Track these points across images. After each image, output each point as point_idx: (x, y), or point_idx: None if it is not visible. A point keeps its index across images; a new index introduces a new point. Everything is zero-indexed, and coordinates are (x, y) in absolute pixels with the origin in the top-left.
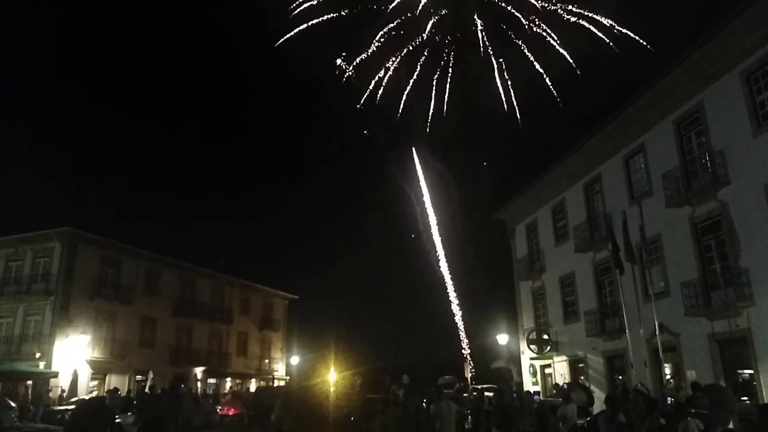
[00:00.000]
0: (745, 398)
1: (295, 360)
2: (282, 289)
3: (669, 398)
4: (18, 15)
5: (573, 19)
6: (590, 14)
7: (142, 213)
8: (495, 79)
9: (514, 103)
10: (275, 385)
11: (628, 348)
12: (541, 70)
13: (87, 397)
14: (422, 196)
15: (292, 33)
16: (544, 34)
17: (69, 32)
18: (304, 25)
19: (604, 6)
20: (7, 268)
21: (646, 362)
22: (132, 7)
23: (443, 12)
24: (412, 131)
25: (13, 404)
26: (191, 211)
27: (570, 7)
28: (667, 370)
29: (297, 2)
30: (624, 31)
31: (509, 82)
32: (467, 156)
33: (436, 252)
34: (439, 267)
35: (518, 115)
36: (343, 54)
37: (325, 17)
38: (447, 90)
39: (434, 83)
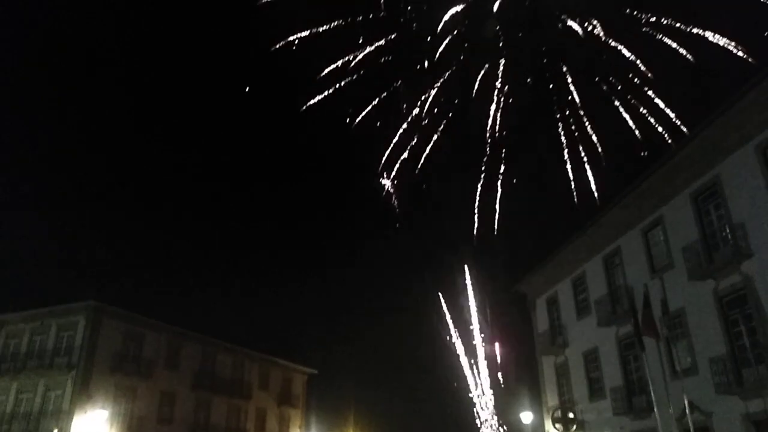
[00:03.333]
0: None
1: None
2: (301, 362)
3: None
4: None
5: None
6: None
7: (165, 285)
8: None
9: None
10: None
11: (657, 428)
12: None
13: None
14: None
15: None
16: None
17: (98, 103)
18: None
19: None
20: (32, 341)
21: None
22: (169, 74)
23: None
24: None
25: None
26: (213, 284)
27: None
28: None
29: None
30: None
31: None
32: (487, 228)
33: (456, 328)
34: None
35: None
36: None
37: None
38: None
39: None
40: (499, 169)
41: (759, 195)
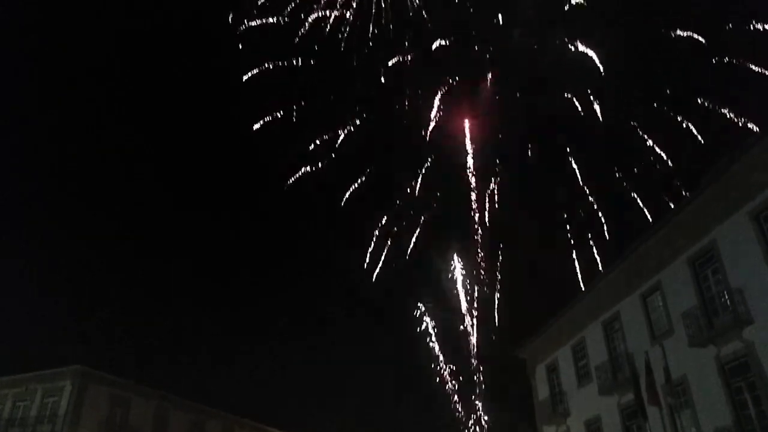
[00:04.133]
0: None
1: None
2: (293, 429)
3: None
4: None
5: None
6: None
7: (153, 348)
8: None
9: None
10: None
11: None
12: None
13: None
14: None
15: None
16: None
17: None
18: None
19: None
20: (14, 408)
21: None
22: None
23: None
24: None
25: None
26: (201, 348)
27: None
28: None
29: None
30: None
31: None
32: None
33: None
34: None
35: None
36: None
37: None
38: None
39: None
40: (499, 237)
41: (755, 260)
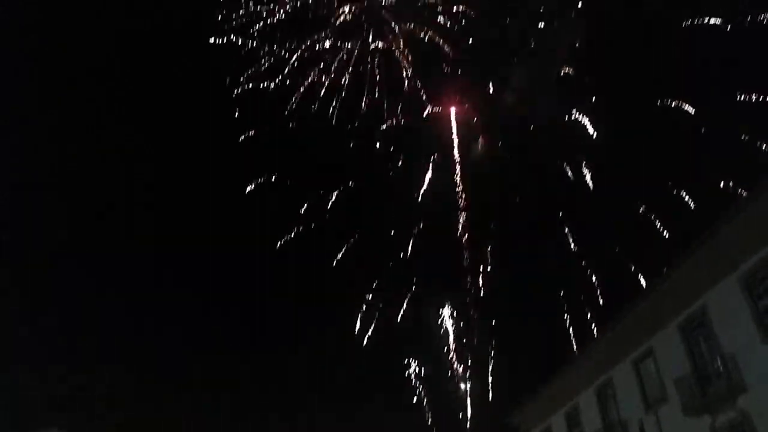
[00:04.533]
0: None
1: None
2: None
3: None
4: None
5: None
6: None
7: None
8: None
9: None
10: None
11: None
12: None
13: None
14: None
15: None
16: None
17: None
18: None
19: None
20: None
21: None
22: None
23: None
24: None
25: None
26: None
27: None
28: None
29: None
30: None
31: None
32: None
33: None
34: None
35: None
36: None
37: None
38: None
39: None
40: (493, 302)
41: (746, 326)
